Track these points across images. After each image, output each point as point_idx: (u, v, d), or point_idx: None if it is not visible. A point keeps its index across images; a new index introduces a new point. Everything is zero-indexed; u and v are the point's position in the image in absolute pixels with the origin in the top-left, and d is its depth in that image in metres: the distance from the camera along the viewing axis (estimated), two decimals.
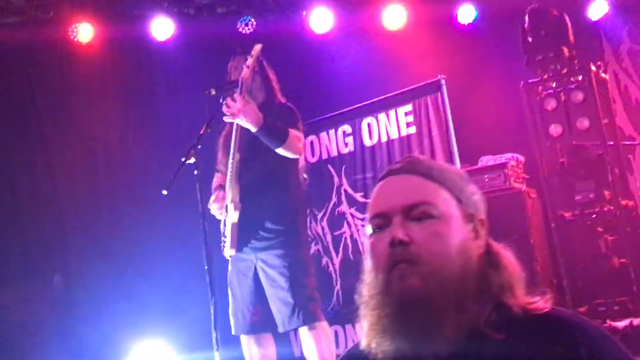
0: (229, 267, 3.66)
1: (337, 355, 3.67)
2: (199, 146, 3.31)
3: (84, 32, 5.14)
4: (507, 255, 1.22)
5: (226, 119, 3.47)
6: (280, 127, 3.49)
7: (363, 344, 1.24)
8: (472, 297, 1.14)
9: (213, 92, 3.49)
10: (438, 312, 1.12)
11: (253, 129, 3.41)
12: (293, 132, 3.52)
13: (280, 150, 3.48)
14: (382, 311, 1.17)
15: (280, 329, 3.51)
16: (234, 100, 3.40)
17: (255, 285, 3.54)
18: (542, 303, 1.17)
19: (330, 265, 5.25)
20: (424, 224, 1.17)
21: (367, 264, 1.24)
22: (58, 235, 5.28)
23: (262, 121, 3.41)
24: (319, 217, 5.33)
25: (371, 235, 1.23)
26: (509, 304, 1.16)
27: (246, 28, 5.33)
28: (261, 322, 3.55)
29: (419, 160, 1.27)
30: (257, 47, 3.55)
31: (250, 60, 3.51)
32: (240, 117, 3.38)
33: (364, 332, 1.23)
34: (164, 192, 3.19)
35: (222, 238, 3.54)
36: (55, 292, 5.45)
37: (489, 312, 1.14)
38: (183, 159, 3.28)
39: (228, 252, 3.52)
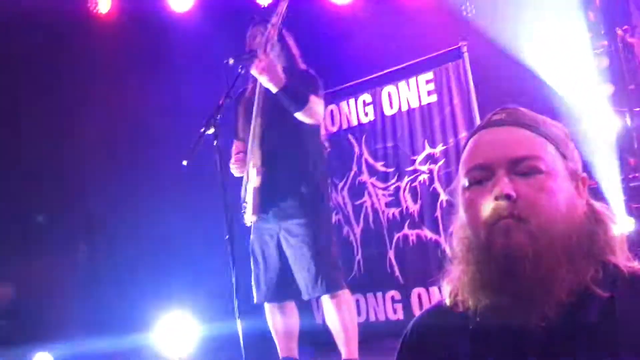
0: (251, 236, 3.67)
1: (359, 324, 3.70)
2: (219, 116, 3.30)
3: (103, 3, 5.14)
4: (610, 215, 1.17)
5: (253, 73, 3.42)
6: (301, 91, 3.46)
7: (448, 301, 1.20)
8: (579, 255, 1.09)
9: (231, 62, 3.46)
10: (546, 270, 1.06)
11: (274, 89, 3.38)
12: (314, 98, 3.49)
13: (299, 115, 3.45)
14: (483, 267, 1.11)
15: (305, 297, 3.53)
16: (259, 58, 3.35)
17: (279, 254, 3.55)
18: None
19: (351, 234, 5.26)
20: (532, 179, 1.11)
21: (462, 217, 1.17)
22: (82, 206, 5.36)
23: (283, 82, 3.38)
24: (339, 186, 5.32)
25: (467, 188, 1.16)
26: (615, 263, 1.12)
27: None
28: (285, 290, 3.57)
29: (521, 112, 1.20)
30: (283, 4, 3.50)
31: (275, 18, 3.46)
32: (264, 74, 3.35)
33: (454, 287, 1.18)
34: (184, 162, 3.20)
35: (243, 204, 3.54)
36: (80, 262, 5.55)
37: (596, 270, 1.09)
38: (202, 130, 3.28)
39: (249, 218, 3.52)
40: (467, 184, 1.16)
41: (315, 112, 3.49)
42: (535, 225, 1.08)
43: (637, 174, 4.60)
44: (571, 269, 1.08)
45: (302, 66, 3.69)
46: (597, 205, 1.18)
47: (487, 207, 1.11)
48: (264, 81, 3.38)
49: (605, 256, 1.12)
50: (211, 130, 3.29)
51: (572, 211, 1.12)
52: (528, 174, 1.11)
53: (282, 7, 3.44)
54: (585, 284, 1.08)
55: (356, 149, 5.24)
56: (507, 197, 1.09)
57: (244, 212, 3.53)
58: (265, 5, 5.48)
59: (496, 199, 1.10)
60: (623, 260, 1.13)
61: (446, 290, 1.21)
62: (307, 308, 4.82)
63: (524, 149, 1.13)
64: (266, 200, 3.50)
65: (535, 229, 1.08)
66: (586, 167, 4.53)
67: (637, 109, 4.64)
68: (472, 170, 1.16)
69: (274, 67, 3.38)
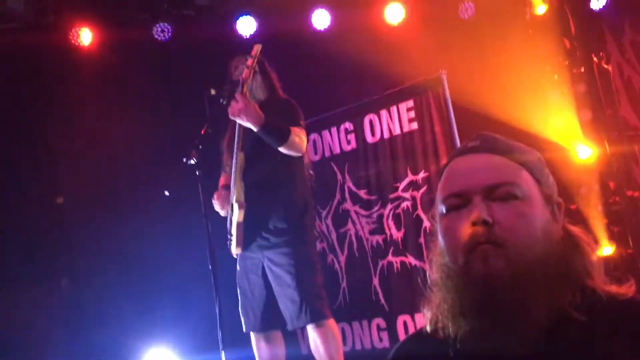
0: (238, 267, 3.66)
1: (345, 353, 3.67)
2: (200, 147, 3.31)
3: (85, 36, 5.15)
4: (586, 239, 1.17)
5: (231, 117, 3.47)
6: (282, 125, 3.48)
7: (429, 328, 1.20)
8: (557, 280, 1.10)
9: (213, 92, 3.50)
10: (525, 295, 1.07)
11: (254, 128, 3.41)
12: (295, 130, 3.50)
13: (282, 149, 3.47)
14: (462, 294, 1.11)
15: (289, 327, 3.52)
16: (236, 100, 3.40)
17: (264, 283, 3.55)
18: (626, 288, 1.13)
19: (335, 262, 5.25)
20: (508, 204, 1.12)
21: (441, 244, 1.18)
22: (63, 239, 5.30)
23: (263, 120, 3.40)
24: (323, 215, 5.32)
25: (444, 215, 1.17)
26: (592, 287, 1.12)
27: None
28: (270, 319, 3.56)
29: (496, 138, 1.22)
30: (257, 47, 3.55)
31: (250, 60, 3.51)
32: (241, 116, 3.38)
33: (434, 314, 1.18)
34: (166, 192, 3.20)
35: (229, 236, 3.54)
36: (62, 296, 5.47)
37: (573, 295, 1.09)
38: (184, 160, 3.28)
39: (235, 250, 3.53)
40: (444, 211, 1.17)
41: (297, 145, 3.51)
42: (512, 251, 1.09)
43: (617, 198, 4.66)
44: (549, 294, 1.09)
45: (283, 96, 3.72)
46: (574, 229, 1.20)
47: (465, 233, 1.12)
48: (243, 122, 3.41)
49: (582, 280, 1.13)
50: (193, 161, 3.29)
51: (548, 236, 1.13)
52: (504, 200, 1.13)
53: (257, 50, 3.50)
54: (564, 309, 1.09)
55: (339, 177, 5.25)
56: (484, 223, 1.10)
57: (229, 244, 3.53)
58: (247, 37, 5.53)
59: (473, 225, 1.11)
60: (600, 284, 1.14)
61: (427, 317, 1.22)
62: (293, 338, 4.78)
63: (500, 176, 1.15)
64: (250, 231, 3.50)
65: (512, 255, 1.09)
66: (566, 192, 4.59)
67: (615, 134, 4.71)
68: (449, 198, 1.17)
69: (252, 107, 3.39)
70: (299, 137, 3.53)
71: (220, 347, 3.17)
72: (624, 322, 1.08)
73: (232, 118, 3.44)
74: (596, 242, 1.23)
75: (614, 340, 1.06)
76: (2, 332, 5.05)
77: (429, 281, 1.22)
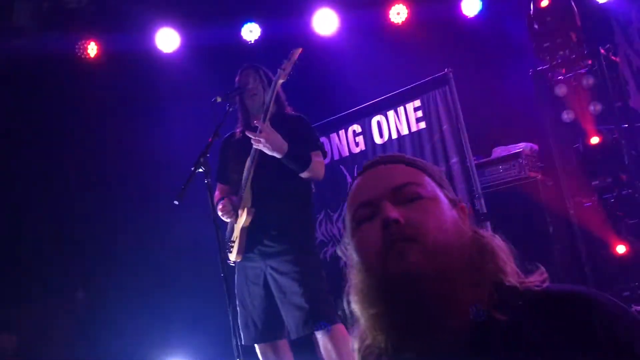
0: (236, 277, 3.63)
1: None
2: (208, 155, 3.30)
3: (90, 48, 5.18)
4: (496, 240, 1.17)
5: (255, 146, 3.45)
6: (303, 153, 3.48)
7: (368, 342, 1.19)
8: (474, 275, 1.09)
9: (219, 100, 3.49)
10: (449, 287, 1.06)
11: (278, 156, 3.40)
12: (316, 157, 3.51)
13: (304, 175, 3.48)
14: (386, 299, 1.10)
15: (293, 336, 3.45)
16: (259, 129, 3.37)
17: (265, 293, 3.49)
18: (537, 278, 1.13)
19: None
20: (415, 204, 1.14)
21: (356, 261, 1.16)
22: (77, 251, 5.32)
23: (286, 149, 3.40)
24: (334, 218, 5.31)
25: (356, 228, 1.17)
26: (507, 283, 1.11)
27: (251, 35, 5.36)
28: (275, 329, 3.51)
29: (399, 153, 1.27)
30: (297, 51, 3.53)
31: (286, 64, 3.50)
32: (267, 145, 3.37)
33: (362, 344, 1.19)
34: (176, 202, 3.19)
35: (229, 243, 3.52)
36: (77, 308, 5.50)
37: (490, 293, 1.09)
38: (193, 168, 3.27)
39: (234, 257, 3.49)
40: (355, 225, 1.18)
41: (317, 171, 3.52)
42: (429, 245, 1.08)
43: (630, 190, 4.61)
44: (469, 289, 1.08)
45: (291, 111, 3.70)
46: (484, 233, 1.19)
47: (378, 238, 1.11)
48: (267, 151, 3.40)
49: (497, 278, 1.12)
50: (201, 169, 3.28)
51: (460, 233, 1.13)
52: (411, 201, 1.15)
53: (296, 54, 3.48)
54: (484, 305, 1.08)
55: (349, 180, 5.24)
56: (395, 222, 1.10)
57: (229, 251, 3.50)
58: (252, 42, 5.54)
59: (384, 227, 1.11)
60: (514, 277, 1.13)
61: (356, 347, 1.21)
62: (310, 343, 4.75)
63: (403, 177, 1.18)
64: (253, 239, 3.48)
65: (429, 248, 1.08)
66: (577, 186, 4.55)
67: (625, 126, 4.66)
68: (358, 210, 1.18)
69: (276, 136, 3.39)
70: (320, 162, 3.54)
71: (236, 355, 3.15)
72: (540, 311, 1.07)
73: (256, 147, 3.42)
74: (509, 246, 1.20)
75: (535, 330, 1.05)
76: (18, 344, 5.08)
77: (347, 311, 1.20)
